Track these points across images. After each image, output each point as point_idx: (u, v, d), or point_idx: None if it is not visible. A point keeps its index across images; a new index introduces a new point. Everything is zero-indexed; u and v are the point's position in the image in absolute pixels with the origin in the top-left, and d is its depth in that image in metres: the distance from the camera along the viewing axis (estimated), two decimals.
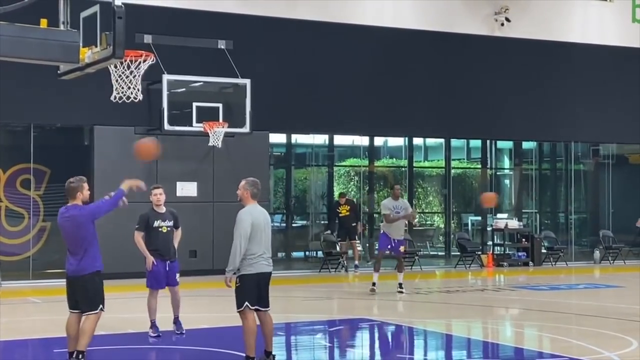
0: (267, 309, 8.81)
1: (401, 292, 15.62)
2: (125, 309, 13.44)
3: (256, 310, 8.71)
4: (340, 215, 20.25)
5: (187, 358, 10.26)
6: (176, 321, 11.22)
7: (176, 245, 11.26)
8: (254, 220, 8.62)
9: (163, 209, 11.18)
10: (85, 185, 8.68)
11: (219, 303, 14.58)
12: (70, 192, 8.61)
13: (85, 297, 8.60)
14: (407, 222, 16.83)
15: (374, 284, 15.66)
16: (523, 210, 25.54)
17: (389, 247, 15.70)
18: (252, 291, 8.63)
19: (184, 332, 11.19)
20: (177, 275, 11.16)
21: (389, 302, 15.12)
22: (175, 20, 18.72)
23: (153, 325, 11.04)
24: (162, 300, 11.23)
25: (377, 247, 17.40)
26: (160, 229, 11.03)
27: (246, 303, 8.62)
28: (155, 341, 10.80)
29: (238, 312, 8.74)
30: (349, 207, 20.28)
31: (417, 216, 16.52)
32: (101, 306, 8.61)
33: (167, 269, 11.05)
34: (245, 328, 8.65)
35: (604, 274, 20.94)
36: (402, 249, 15.89)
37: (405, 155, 24.42)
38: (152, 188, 11.12)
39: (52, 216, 18.68)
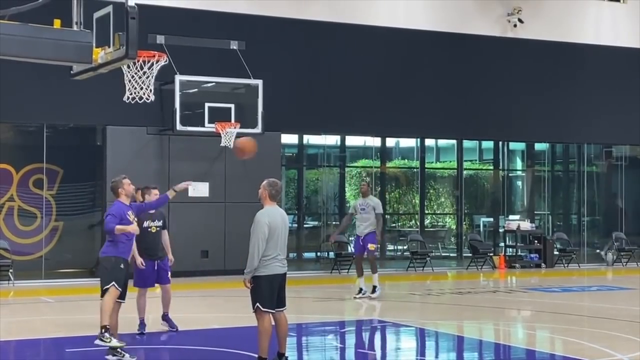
0: (283, 308, 8.81)
1: (362, 297, 15.02)
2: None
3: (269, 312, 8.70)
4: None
5: (198, 358, 10.26)
6: (165, 317, 11.31)
7: (168, 247, 11.29)
8: (271, 222, 8.61)
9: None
10: (126, 181, 9.63)
11: (231, 303, 14.59)
12: (113, 191, 9.67)
13: (99, 275, 9.83)
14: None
15: (360, 290, 15.14)
16: (535, 212, 25.45)
17: (360, 245, 15.10)
18: (265, 293, 8.61)
19: (176, 328, 11.28)
20: (169, 273, 11.25)
21: (401, 304, 15.10)
22: (187, 20, 18.75)
23: (141, 324, 11.12)
24: (154, 301, 11.23)
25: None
26: (149, 229, 11.06)
27: (257, 304, 8.62)
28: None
29: (253, 312, 8.75)
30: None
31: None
32: (113, 283, 9.38)
33: (156, 267, 11.11)
34: (260, 329, 8.63)
35: (616, 276, 20.87)
36: (371, 247, 14.93)
37: (417, 157, 24.37)
38: (147, 188, 11.19)
39: (65, 216, 18.77)
